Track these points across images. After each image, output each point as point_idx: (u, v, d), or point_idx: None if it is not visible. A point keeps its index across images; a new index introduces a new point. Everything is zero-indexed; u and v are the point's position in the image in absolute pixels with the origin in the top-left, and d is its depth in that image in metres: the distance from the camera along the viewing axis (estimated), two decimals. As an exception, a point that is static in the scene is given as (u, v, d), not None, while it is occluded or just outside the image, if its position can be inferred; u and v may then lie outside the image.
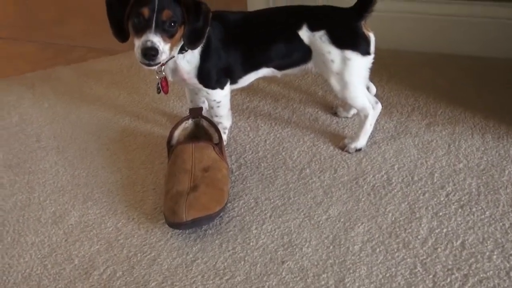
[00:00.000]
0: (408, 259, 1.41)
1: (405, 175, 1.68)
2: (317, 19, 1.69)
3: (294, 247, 1.46)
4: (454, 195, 1.60)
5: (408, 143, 1.81)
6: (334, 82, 1.71)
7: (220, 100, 1.76)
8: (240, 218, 1.57)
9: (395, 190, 1.63)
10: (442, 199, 1.59)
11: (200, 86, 1.72)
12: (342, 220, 1.54)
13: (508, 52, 2.20)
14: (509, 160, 1.70)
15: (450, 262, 1.39)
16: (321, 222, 1.54)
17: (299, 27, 1.68)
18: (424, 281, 1.35)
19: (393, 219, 1.53)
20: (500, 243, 1.43)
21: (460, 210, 1.55)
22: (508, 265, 1.37)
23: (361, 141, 1.78)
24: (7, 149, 1.90)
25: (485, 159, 1.72)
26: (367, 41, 1.68)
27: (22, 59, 2.49)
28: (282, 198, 1.62)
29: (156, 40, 1.49)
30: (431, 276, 1.36)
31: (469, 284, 1.33)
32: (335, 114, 1.97)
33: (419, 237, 1.47)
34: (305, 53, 1.71)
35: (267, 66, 1.76)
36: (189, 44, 1.59)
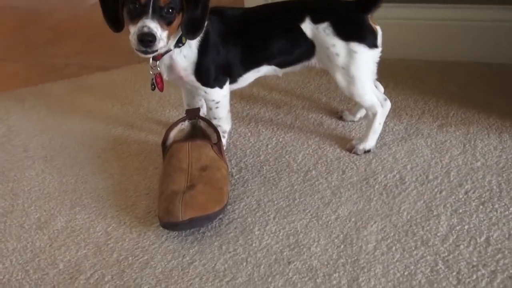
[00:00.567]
0: (428, 257, 1.27)
1: (419, 174, 1.55)
2: (320, 11, 1.60)
3: (302, 247, 1.33)
4: (473, 193, 1.47)
5: (420, 143, 1.69)
6: (340, 78, 1.61)
7: (219, 100, 1.65)
8: (241, 220, 1.44)
9: (409, 189, 1.50)
10: (460, 196, 1.46)
11: (198, 84, 1.61)
12: (353, 219, 1.41)
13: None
14: (530, 158, 1.59)
15: (474, 259, 1.26)
16: (330, 222, 1.40)
17: (301, 20, 1.59)
18: (447, 278, 1.21)
19: (408, 217, 1.40)
20: (528, 238, 1.30)
21: (481, 207, 1.42)
22: (540, 260, 1.24)
23: (370, 142, 1.67)
24: (-8, 160, 1.79)
25: (504, 157, 1.60)
26: (373, 33, 1.58)
27: (13, 77, 2.39)
28: (286, 199, 1.50)
29: (153, 26, 1.40)
30: (454, 273, 1.22)
31: (498, 281, 1.20)
32: (340, 118, 1.86)
33: (438, 234, 1.34)
34: (308, 48, 1.61)
35: (269, 63, 1.66)
36: (187, 33, 1.49)
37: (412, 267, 1.25)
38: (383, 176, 1.56)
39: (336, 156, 1.66)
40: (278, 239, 1.36)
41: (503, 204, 1.42)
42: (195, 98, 1.77)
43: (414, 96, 1.95)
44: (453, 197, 1.46)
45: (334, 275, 1.24)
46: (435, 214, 1.40)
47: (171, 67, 1.59)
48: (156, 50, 1.43)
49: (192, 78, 1.60)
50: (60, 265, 1.33)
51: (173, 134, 1.61)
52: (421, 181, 1.53)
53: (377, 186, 1.52)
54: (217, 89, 1.63)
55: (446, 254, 1.27)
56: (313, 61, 1.65)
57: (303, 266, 1.27)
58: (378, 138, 1.69)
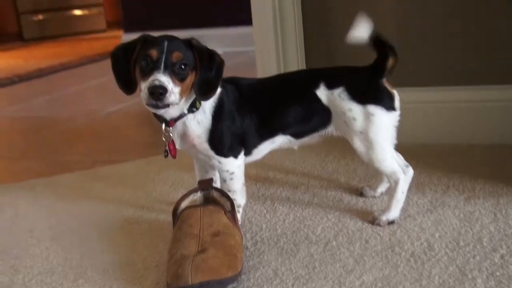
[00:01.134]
0: (466, 318, 1.13)
1: (448, 242, 1.44)
2: (335, 77, 1.58)
3: (324, 312, 1.20)
4: (510, 257, 1.35)
5: (447, 214, 1.59)
6: (358, 143, 1.55)
7: (233, 171, 1.59)
8: (256, 287, 1.32)
9: (440, 255, 1.38)
10: (496, 261, 1.34)
11: (212, 153, 1.56)
12: (379, 285, 1.29)
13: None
14: None
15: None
16: (354, 288, 1.28)
17: (316, 86, 1.57)
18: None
19: (441, 281, 1.28)
20: None
21: (520, 269, 1.29)
22: None
23: (394, 212, 1.57)
24: (-4, 241, 1.70)
25: (540, 224, 1.49)
26: (390, 96, 1.55)
27: (26, 172, 2.36)
28: (305, 268, 1.38)
29: (164, 79, 1.38)
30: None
31: None
32: (361, 194, 1.77)
33: (475, 296, 1.20)
34: (324, 115, 1.57)
35: (284, 132, 1.61)
36: (200, 94, 1.46)
37: (449, 329, 1.11)
38: (409, 244, 1.45)
39: (357, 228, 1.56)
40: (298, 305, 1.23)
41: (545, 266, 1.29)
42: (209, 172, 1.71)
43: (437, 174, 1.87)
44: (488, 261, 1.34)
45: (361, 337, 1.11)
46: (470, 277, 1.28)
47: (184, 135, 1.55)
48: (168, 105, 1.40)
49: (206, 146, 1.55)
50: (57, 334, 1.21)
51: (184, 204, 1.53)
52: (452, 248, 1.41)
53: (403, 254, 1.41)
54: (231, 159, 1.58)
55: (486, 315, 1.14)
56: (330, 129, 1.60)
57: (326, 330, 1.14)
58: (402, 209, 1.59)
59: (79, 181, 2.15)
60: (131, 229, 1.69)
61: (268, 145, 1.63)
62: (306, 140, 1.64)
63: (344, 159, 2.07)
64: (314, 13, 2.29)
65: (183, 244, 1.36)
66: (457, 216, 1.57)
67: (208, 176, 1.72)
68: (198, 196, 1.57)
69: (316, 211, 1.69)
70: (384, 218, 1.56)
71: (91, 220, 1.78)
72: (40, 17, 7.91)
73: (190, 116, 1.52)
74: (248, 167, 1.66)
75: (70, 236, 1.69)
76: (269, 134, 1.61)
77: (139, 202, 1.88)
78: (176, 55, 1.40)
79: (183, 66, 1.41)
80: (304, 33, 2.30)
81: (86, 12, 8.14)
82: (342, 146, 2.10)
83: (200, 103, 1.52)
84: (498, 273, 1.28)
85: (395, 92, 1.56)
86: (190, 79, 1.44)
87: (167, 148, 1.55)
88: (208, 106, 1.53)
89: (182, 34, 1.52)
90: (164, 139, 1.55)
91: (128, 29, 5.65)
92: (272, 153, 2.13)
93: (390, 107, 1.53)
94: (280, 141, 1.63)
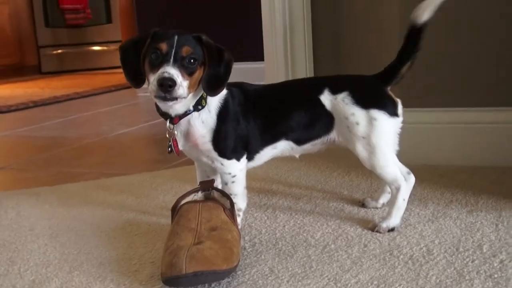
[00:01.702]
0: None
1: (448, 247, 1.43)
2: (339, 82, 1.59)
3: (317, 304, 1.18)
4: (509, 262, 1.33)
5: (449, 224, 1.58)
6: (360, 148, 1.55)
7: (235, 174, 1.59)
8: (251, 282, 1.31)
9: (438, 259, 1.37)
10: (495, 264, 1.32)
11: (215, 154, 1.57)
12: (375, 283, 1.27)
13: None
14: None
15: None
16: (349, 285, 1.26)
17: (320, 92, 1.58)
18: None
19: (437, 281, 1.26)
20: None
21: (519, 272, 1.27)
22: None
23: (394, 220, 1.56)
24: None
25: (542, 235, 1.47)
26: (394, 102, 1.56)
27: (33, 181, 2.37)
28: (302, 267, 1.37)
29: (174, 72, 1.40)
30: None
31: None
32: (363, 205, 1.76)
33: (472, 295, 1.18)
34: (326, 122, 1.58)
35: (287, 137, 1.61)
36: (208, 89, 1.48)
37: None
38: (408, 248, 1.44)
39: (357, 234, 1.55)
40: (291, 298, 1.22)
41: (545, 270, 1.27)
42: (210, 177, 1.71)
43: (441, 190, 1.86)
44: (487, 265, 1.32)
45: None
46: (468, 278, 1.26)
47: (187, 134, 1.56)
48: (176, 98, 1.41)
49: (208, 147, 1.56)
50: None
51: (184, 202, 1.53)
52: (451, 253, 1.39)
53: (402, 257, 1.39)
54: (234, 161, 1.58)
55: (482, 310, 1.12)
56: (332, 135, 1.60)
57: (318, 320, 1.12)
58: (403, 218, 1.58)
59: (83, 189, 2.15)
60: (131, 230, 1.69)
61: (270, 150, 1.63)
62: (308, 147, 1.65)
63: (349, 176, 2.07)
64: (324, 27, 2.34)
65: (179, 237, 1.35)
66: (458, 226, 1.56)
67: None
68: (199, 196, 1.57)
69: (316, 219, 1.68)
70: (385, 225, 1.55)
71: (91, 221, 1.78)
72: (59, 51, 8.05)
73: (195, 114, 1.53)
74: (251, 180, 1.66)
75: (68, 234, 1.69)
76: (272, 138, 1.62)
77: (140, 208, 1.88)
78: (185, 49, 1.43)
79: (192, 60, 1.44)
80: (313, 46, 2.34)
81: (104, 48, 8.27)
82: (347, 163, 2.12)
83: (206, 102, 1.53)
84: (496, 275, 1.26)
85: (398, 100, 1.57)
86: (199, 73, 1.46)
87: (171, 143, 1.55)
88: (213, 105, 1.55)
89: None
90: (167, 135, 1.55)
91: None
92: (276, 168, 2.16)
93: (393, 113, 1.54)
94: (282, 147, 1.63)
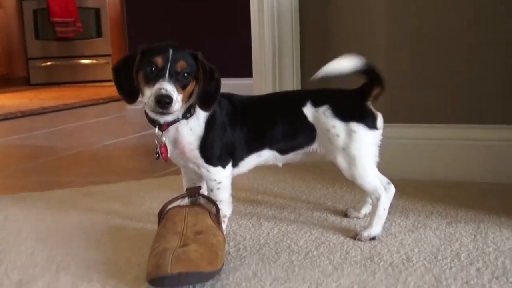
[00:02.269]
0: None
1: (427, 255, 1.47)
2: (321, 96, 1.65)
3: (298, 306, 1.22)
4: (486, 269, 1.38)
5: (429, 234, 1.62)
6: (340, 160, 1.60)
7: (221, 181, 1.63)
8: (234, 284, 1.34)
9: (417, 265, 1.41)
10: (472, 272, 1.36)
11: (201, 161, 1.60)
12: (355, 287, 1.31)
13: None
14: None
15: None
16: (330, 289, 1.30)
17: (303, 104, 1.64)
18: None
19: (416, 286, 1.30)
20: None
21: (494, 280, 1.32)
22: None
23: (375, 229, 1.60)
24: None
25: (518, 245, 1.51)
26: (373, 116, 1.61)
27: (19, 188, 2.39)
28: (285, 272, 1.40)
29: (170, 88, 1.45)
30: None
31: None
32: (345, 215, 1.80)
33: (448, 299, 1.22)
34: (309, 133, 1.63)
35: (271, 147, 1.66)
36: (201, 104, 1.53)
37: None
38: (388, 256, 1.48)
39: (339, 241, 1.59)
40: (274, 300, 1.25)
41: (519, 277, 1.31)
42: (196, 184, 1.74)
43: (421, 202, 1.91)
44: (464, 272, 1.36)
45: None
46: (445, 284, 1.30)
47: (175, 141, 1.59)
48: (171, 113, 1.46)
49: (196, 154, 1.60)
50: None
51: (170, 207, 1.56)
52: (429, 260, 1.44)
53: (382, 263, 1.43)
54: (219, 169, 1.62)
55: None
56: (314, 146, 1.65)
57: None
58: (384, 227, 1.62)
59: (71, 195, 2.18)
60: (117, 234, 1.72)
61: (254, 158, 1.68)
62: (291, 157, 1.69)
63: (333, 187, 2.11)
64: (312, 38, 2.39)
65: (165, 239, 1.38)
66: (438, 236, 1.60)
67: (195, 188, 1.76)
68: (185, 202, 1.60)
69: (300, 227, 1.72)
70: (366, 234, 1.59)
71: (78, 225, 1.81)
72: (48, 63, 8.07)
73: (184, 122, 1.57)
74: (237, 190, 1.69)
75: (56, 237, 1.71)
76: (256, 147, 1.66)
77: (127, 214, 1.91)
78: (180, 64, 1.48)
79: (186, 74, 1.48)
80: (301, 57, 2.40)
81: (94, 61, 8.30)
82: (331, 175, 2.16)
83: (194, 110, 1.57)
84: (472, 282, 1.31)
85: (379, 114, 1.62)
86: (191, 87, 1.51)
87: (158, 150, 1.59)
88: (202, 114, 1.59)
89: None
90: (156, 142, 1.59)
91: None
92: (262, 179, 2.19)
93: (372, 125, 1.59)
94: (266, 155, 1.68)
